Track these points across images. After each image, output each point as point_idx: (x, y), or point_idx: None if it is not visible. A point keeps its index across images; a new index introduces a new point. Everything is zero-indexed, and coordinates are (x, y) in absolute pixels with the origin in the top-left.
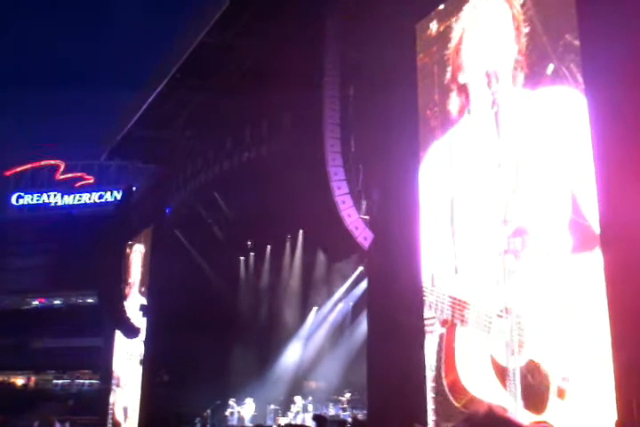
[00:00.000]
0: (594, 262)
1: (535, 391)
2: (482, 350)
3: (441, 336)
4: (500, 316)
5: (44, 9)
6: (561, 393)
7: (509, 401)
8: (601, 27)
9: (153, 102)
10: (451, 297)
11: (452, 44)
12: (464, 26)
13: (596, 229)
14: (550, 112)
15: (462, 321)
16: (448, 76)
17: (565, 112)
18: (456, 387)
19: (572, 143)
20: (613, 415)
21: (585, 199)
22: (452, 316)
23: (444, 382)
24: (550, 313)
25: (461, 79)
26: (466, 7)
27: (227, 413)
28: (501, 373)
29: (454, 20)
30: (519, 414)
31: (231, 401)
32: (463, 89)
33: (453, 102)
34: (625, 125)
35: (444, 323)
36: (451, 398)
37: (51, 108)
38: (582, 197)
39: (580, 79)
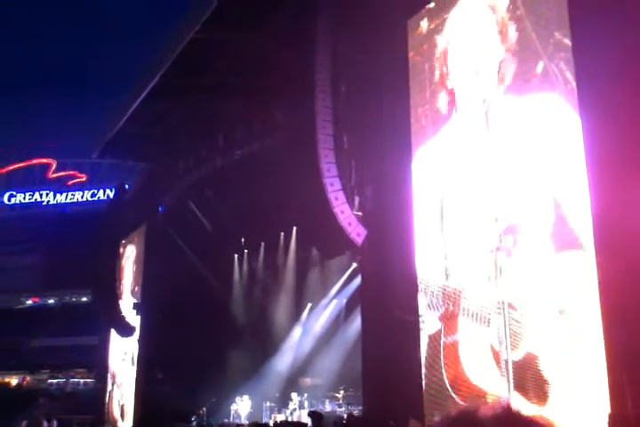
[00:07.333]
0: (582, 261)
1: (534, 384)
2: (482, 343)
3: (439, 331)
4: (498, 310)
5: (33, 8)
6: (558, 386)
7: (509, 394)
8: (592, 24)
9: (145, 100)
10: (446, 292)
11: (440, 48)
12: (451, 30)
13: (578, 231)
14: (539, 113)
15: (461, 315)
16: (437, 78)
17: (554, 112)
18: (458, 381)
19: (559, 146)
20: (607, 408)
21: (567, 203)
22: (450, 310)
23: (445, 377)
24: (544, 308)
25: (449, 84)
26: (453, 10)
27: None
28: (501, 366)
29: (443, 20)
30: (519, 406)
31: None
32: (451, 92)
33: (443, 102)
34: (616, 122)
35: (442, 317)
36: (451, 392)
37: (41, 106)
38: (565, 201)
39: (570, 77)
